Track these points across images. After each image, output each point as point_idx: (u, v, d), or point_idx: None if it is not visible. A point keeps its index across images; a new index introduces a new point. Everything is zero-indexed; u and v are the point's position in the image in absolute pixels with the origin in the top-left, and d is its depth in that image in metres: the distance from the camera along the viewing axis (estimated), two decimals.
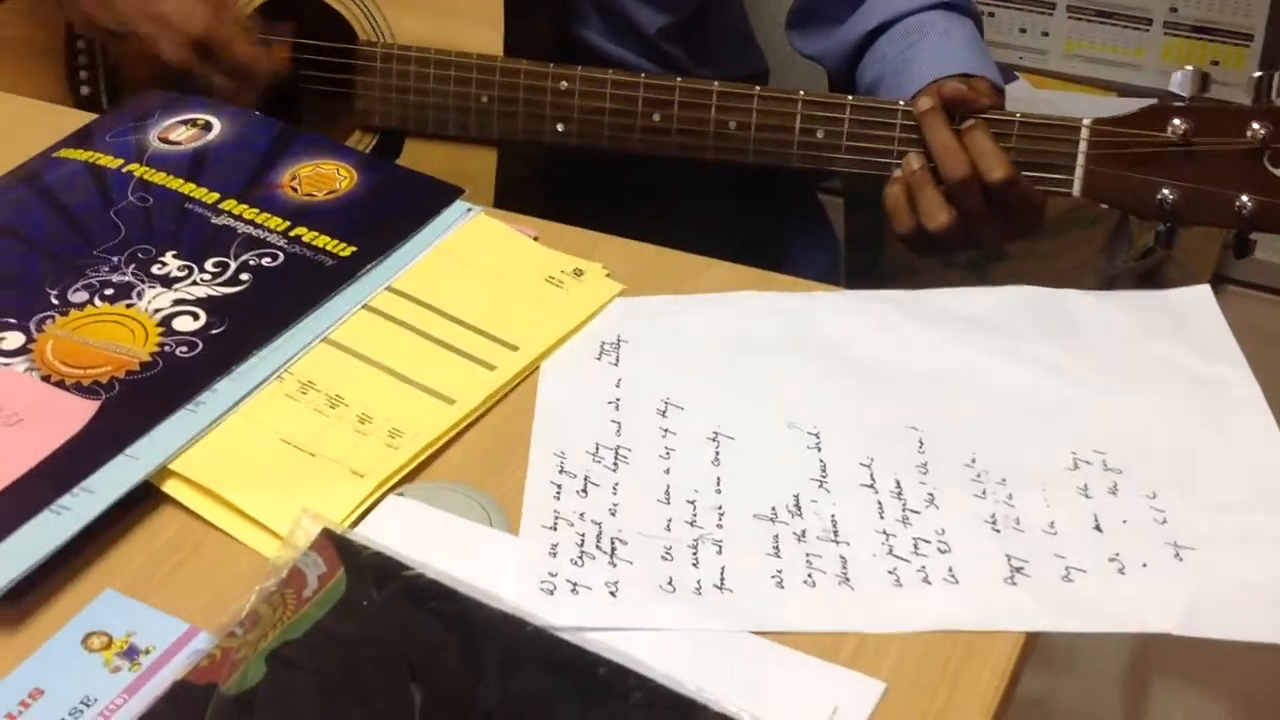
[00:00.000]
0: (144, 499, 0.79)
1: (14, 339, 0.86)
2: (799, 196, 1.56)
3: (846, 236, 2.07)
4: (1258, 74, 1.07)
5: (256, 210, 0.95)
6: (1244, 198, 1.05)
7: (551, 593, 0.73)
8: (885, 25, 1.33)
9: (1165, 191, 1.07)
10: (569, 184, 1.29)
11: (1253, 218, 1.06)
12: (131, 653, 0.72)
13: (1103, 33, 2.46)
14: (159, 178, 0.98)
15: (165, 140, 1.01)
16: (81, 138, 1.03)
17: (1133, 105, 2.34)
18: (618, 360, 0.88)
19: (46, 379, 0.83)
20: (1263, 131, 1.04)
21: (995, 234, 1.12)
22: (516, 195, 1.19)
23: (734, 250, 1.01)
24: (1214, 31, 2.40)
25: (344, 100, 1.28)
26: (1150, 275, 2.45)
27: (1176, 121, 1.06)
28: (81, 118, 1.09)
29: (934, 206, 1.09)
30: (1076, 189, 1.11)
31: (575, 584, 0.73)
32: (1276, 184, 1.05)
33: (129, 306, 0.88)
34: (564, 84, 1.19)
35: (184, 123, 1.03)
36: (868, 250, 2.17)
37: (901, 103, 1.13)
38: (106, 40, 1.22)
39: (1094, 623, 0.72)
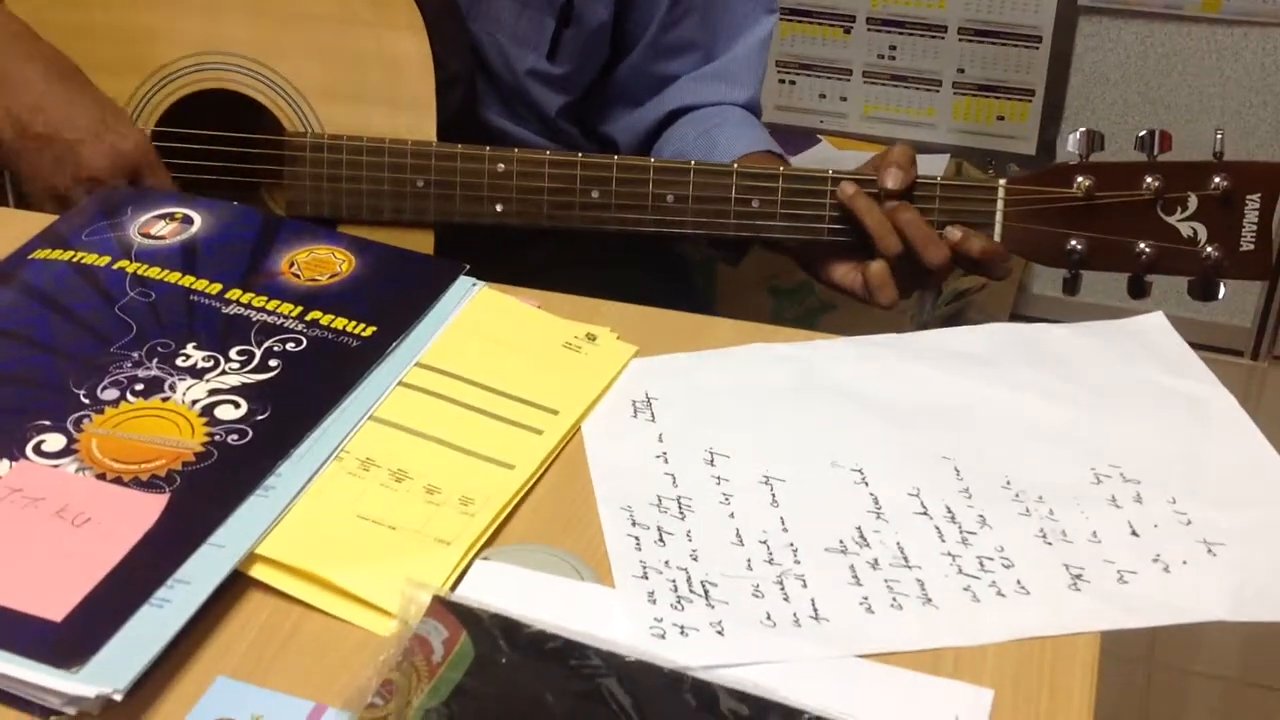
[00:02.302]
0: (230, 585, 0.79)
1: (55, 440, 0.85)
2: (664, 257, 1.62)
3: None
4: (1142, 133, 1.16)
5: (265, 298, 0.96)
6: (1142, 244, 1.15)
7: (663, 637, 0.76)
8: (684, 110, 1.43)
9: (1074, 242, 1.16)
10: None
11: (1151, 262, 1.15)
12: None
13: (897, 95, 2.61)
14: (154, 272, 0.98)
15: (148, 235, 1.01)
16: (53, 239, 1.02)
17: (934, 161, 2.49)
18: (653, 417, 0.92)
19: (101, 477, 0.83)
20: (1156, 184, 1.13)
21: (936, 280, 1.20)
22: None
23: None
24: (998, 89, 2.58)
25: (272, 190, 1.29)
26: (955, 318, 2.59)
27: (1080, 178, 1.15)
28: (36, 219, 1.08)
29: (887, 285, 1.18)
30: None
31: (683, 627, 0.77)
32: (1170, 231, 1.15)
33: (165, 400, 0.88)
34: (501, 166, 1.22)
35: (161, 217, 1.03)
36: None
37: (831, 171, 1.20)
38: (16, 147, 1.20)
39: (1156, 617, 0.79)
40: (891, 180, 1.16)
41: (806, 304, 2.37)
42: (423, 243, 1.25)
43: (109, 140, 1.16)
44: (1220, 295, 1.16)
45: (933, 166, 2.52)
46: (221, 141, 1.27)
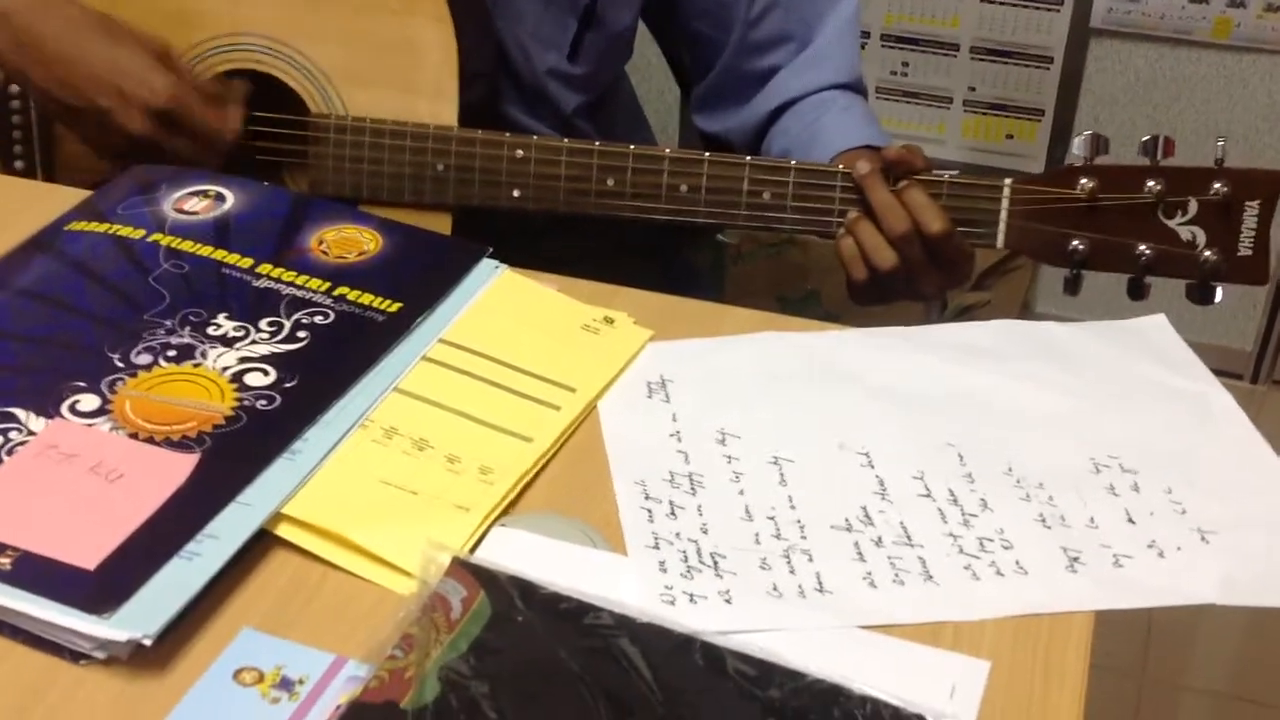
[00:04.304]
0: (256, 542, 0.82)
1: (89, 400, 0.88)
2: (674, 259, 1.64)
3: None
4: (1145, 138, 1.18)
5: (295, 273, 0.99)
6: (1142, 246, 1.17)
7: (673, 603, 0.79)
8: (789, 103, 1.45)
9: (1076, 243, 1.18)
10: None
11: (1150, 264, 1.18)
12: (286, 684, 0.75)
13: (908, 111, 2.64)
14: (187, 246, 1.01)
15: (181, 211, 1.04)
16: (89, 212, 1.05)
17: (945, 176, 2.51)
18: (668, 398, 0.95)
19: (134, 436, 0.86)
20: (1157, 188, 1.16)
21: (933, 284, 1.22)
22: None
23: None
24: (1008, 108, 2.61)
25: (294, 170, 1.32)
26: None
27: (1085, 180, 1.17)
28: (70, 194, 1.11)
29: (881, 248, 1.19)
30: (1000, 241, 1.22)
31: (692, 594, 0.80)
32: (1170, 234, 1.17)
33: (196, 366, 0.91)
34: (519, 152, 1.25)
35: (195, 194, 1.06)
36: None
37: (840, 166, 1.23)
38: (61, 116, 1.23)
39: (1149, 599, 0.82)
40: (893, 152, 1.19)
41: (812, 313, 2.40)
42: (440, 225, 1.27)
43: (138, 98, 1.17)
44: (1217, 299, 1.18)
45: None
46: (248, 121, 1.29)
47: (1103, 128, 2.59)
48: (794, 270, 2.44)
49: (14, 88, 1.29)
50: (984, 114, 2.63)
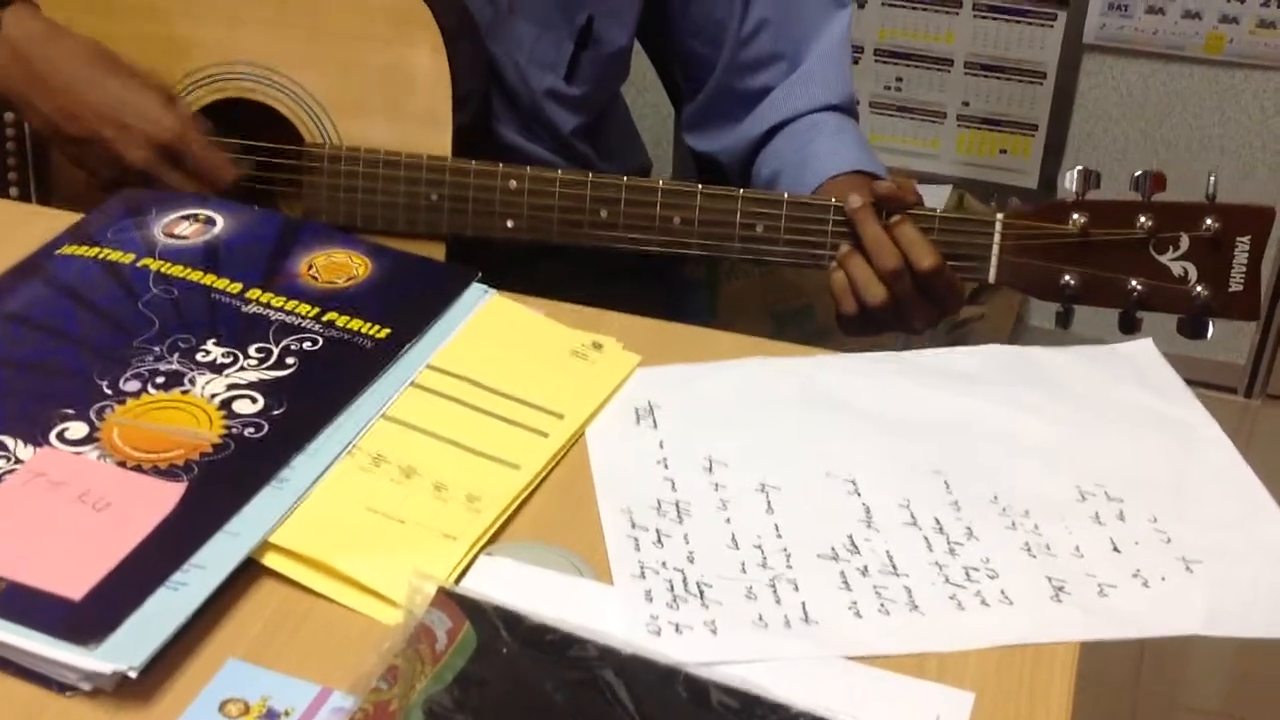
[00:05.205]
0: (243, 572, 0.82)
1: (77, 428, 0.88)
2: (668, 277, 1.65)
3: None
4: (1137, 173, 1.18)
5: (284, 298, 0.99)
6: (1134, 282, 1.17)
7: (658, 634, 0.79)
8: (781, 125, 1.45)
9: (1067, 278, 1.18)
10: None
11: (1142, 299, 1.18)
12: (272, 716, 0.75)
13: (902, 126, 2.65)
14: (177, 270, 1.01)
15: (171, 235, 1.05)
16: (80, 235, 1.05)
17: (936, 191, 2.51)
18: (655, 424, 0.95)
19: (122, 464, 0.86)
20: (1149, 223, 1.16)
21: (923, 318, 1.22)
22: None
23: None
24: (1002, 123, 2.61)
25: (289, 199, 1.33)
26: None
27: (1076, 215, 1.17)
28: (62, 217, 1.11)
29: (871, 283, 1.19)
30: (991, 276, 1.22)
31: (677, 625, 0.80)
32: (1161, 269, 1.17)
33: (184, 393, 0.91)
34: (513, 183, 1.25)
35: (185, 218, 1.07)
36: None
37: (834, 199, 1.23)
38: (63, 146, 1.23)
39: (1133, 629, 0.82)
40: (884, 188, 1.19)
41: (806, 329, 2.40)
42: (434, 254, 1.28)
43: (142, 132, 1.18)
44: (1209, 334, 1.18)
45: (935, 197, 2.56)
46: (241, 150, 1.30)
47: (1096, 142, 2.60)
48: (788, 286, 2.45)
49: (9, 115, 1.29)
50: (977, 129, 2.63)
